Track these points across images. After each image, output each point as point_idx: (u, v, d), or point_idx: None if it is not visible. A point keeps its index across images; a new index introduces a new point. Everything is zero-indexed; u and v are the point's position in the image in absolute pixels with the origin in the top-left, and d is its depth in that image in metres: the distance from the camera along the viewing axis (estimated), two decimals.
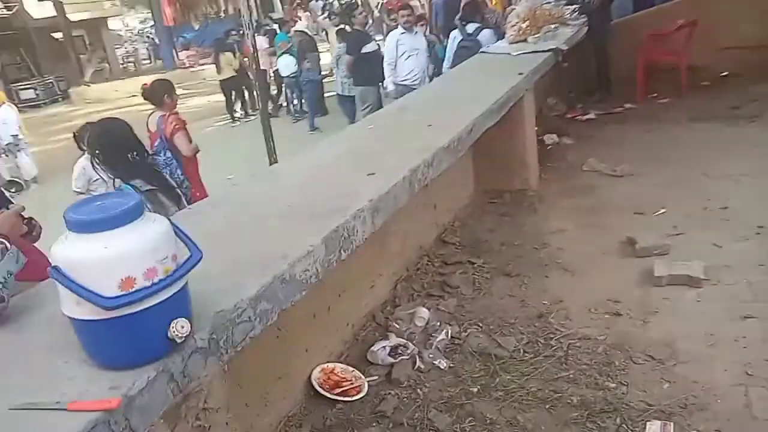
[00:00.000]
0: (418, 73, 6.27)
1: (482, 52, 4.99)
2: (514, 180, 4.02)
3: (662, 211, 3.44)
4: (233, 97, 12.33)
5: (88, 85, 20.01)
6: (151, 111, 4.69)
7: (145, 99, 4.77)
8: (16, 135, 9.46)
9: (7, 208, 1.90)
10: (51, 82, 20.28)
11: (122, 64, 24.25)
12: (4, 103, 10.34)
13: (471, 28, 5.80)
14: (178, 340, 1.14)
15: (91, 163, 2.53)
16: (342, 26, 9.37)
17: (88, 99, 18.95)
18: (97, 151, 2.54)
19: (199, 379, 1.23)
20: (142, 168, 2.53)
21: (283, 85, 11.67)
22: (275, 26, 13.74)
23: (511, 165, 4.00)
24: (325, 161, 2.48)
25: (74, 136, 4.64)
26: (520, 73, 3.77)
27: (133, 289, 1.07)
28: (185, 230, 1.23)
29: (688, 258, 2.83)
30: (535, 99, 5.31)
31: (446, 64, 6.06)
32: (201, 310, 1.30)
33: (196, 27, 24.59)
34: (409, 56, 6.35)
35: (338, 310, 2.50)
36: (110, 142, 2.53)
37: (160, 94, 4.57)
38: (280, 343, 2.10)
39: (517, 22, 5.05)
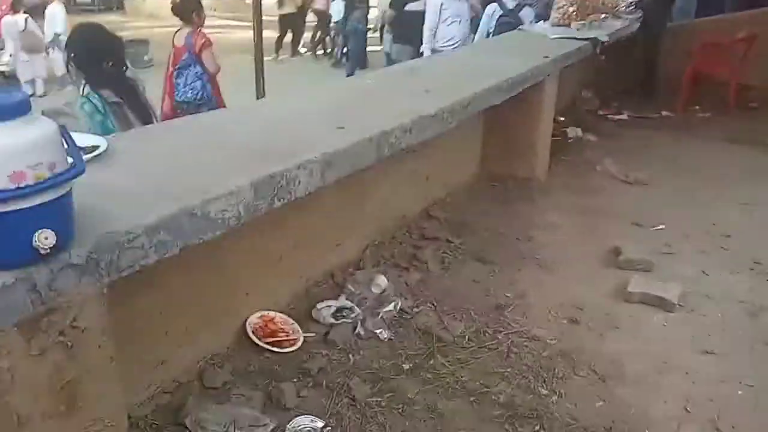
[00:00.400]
0: (459, 41, 6.04)
1: (520, 29, 4.77)
2: (521, 167, 3.87)
3: (661, 226, 3.27)
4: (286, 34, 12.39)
5: None
6: (178, 27, 4.78)
7: (174, 14, 4.85)
8: (59, 34, 9.56)
9: None
10: None
11: None
12: (54, 0, 10.47)
13: (511, 3, 5.54)
14: (42, 251, 1.08)
15: (66, 65, 2.49)
16: None
17: (141, 12, 19.01)
18: (72, 54, 2.49)
19: (69, 295, 1.18)
20: (114, 79, 2.47)
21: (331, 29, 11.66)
22: None
23: (520, 151, 3.85)
24: (302, 106, 2.39)
25: None
26: (546, 57, 3.58)
27: None
28: (76, 141, 1.17)
29: (670, 280, 2.68)
30: (568, 89, 5.13)
31: (477, 37, 5.84)
32: (90, 227, 1.25)
33: None
34: (452, 22, 6.11)
35: (292, 260, 2.44)
36: (87, 47, 2.48)
37: (189, 11, 4.70)
38: (215, 280, 2.06)
39: (564, 5, 4.80)
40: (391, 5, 7.05)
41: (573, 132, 4.86)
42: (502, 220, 3.35)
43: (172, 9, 4.85)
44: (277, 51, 12.33)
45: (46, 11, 10.39)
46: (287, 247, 2.40)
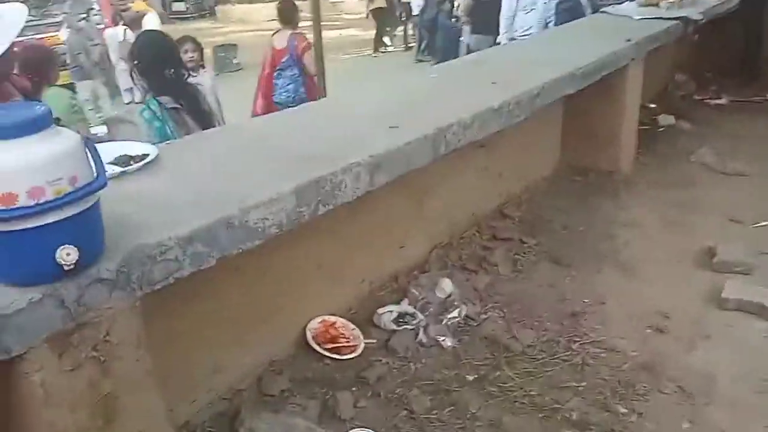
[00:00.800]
0: (536, 29, 5.78)
1: (602, 11, 4.46)
2: (603, 159, 3.61)
3: (764, 223, 2.93)
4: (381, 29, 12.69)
5: (233, 5, 20.83)
6: (275, 30, 5.02)
7: (279, 17, 5.09)
8: None
9: None
10: None
11: None
12: (148, 12, 11.09)
13: None
14: (66, 267, 1.07)
15: (130, 72, 2.55)
16: None
17: (232, 18, 19.77)
18: (136, 62, 2.55)
19: (99, 310, 1.16)
20: (174, 86, 2.51)
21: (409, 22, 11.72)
22: None
23: (603, 142, 3.58)
24: (357, 105, 2.31)
25: None
26: (628, 40, 3.30)
27: (14, 206, 1.00)
28: (101, 154, 1.14)
29: None
30: (659, 73, 4.75)
31: (535, 26, 5.54)
32: (123, 239, 1.23)
33: None
34: (532, 10, 5.86)
35: (354, 263, 2.37)
36: (151, 55, 2.53)
37: (293, 14, 5.07)
38: (272, 284, 2.02)
39: None
40: None
41: (665, 120, 4.49)
42: (582, 218, 3.13)
43: (278, 12, 5.09)
44: (376, 47, 12.57)
45: (143, 22, 11.01)
46: (348, 250, 2.33)
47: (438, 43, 10.38)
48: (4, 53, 1.99)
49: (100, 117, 6.10)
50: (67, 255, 1.05)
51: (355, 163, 1.67)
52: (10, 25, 2.07)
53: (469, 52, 7.53)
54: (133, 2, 12.70)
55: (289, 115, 2.29)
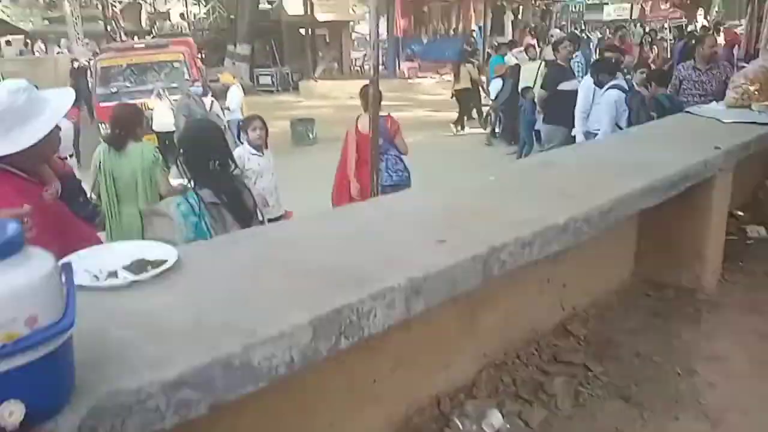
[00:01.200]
0: (608, 126, 5.53)
1: (686, 111, 4.17)
2: (683, 275, 3.23)
3: None
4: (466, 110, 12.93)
5: (316, 81, 21.72)
6: (359, 115, 5.08)
7: (364, 102, 5.16)
8: (231, 110, 10.70)
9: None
10: (287, 73, 22.44)
11: (352, 66, 25.97)
12: (233, 84, 11.68)
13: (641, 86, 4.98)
14: (9, 428, 0.89)
15: (176, 160, 2.48)
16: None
17: (313, 93, 20.56)
18: (182, 150, 2.48)
19: None
20: (217, 179, 2.41)
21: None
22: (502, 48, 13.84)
23: (683, 256, 3.22)
24: (401, 210, 2.11)
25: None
26: (717, 147, 3.00)
27: None
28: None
29: None
30: (748, 179, 4.36)
31: (604, 128, 5.30)
32: (98, 379, 1.05)
33: (425, 41, 25.39)
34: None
35: (390, 383, 2.11)
36: (196, 145, 2.46)
37: (378, 98, 4.98)
38: (293, 408, 1.79)
39: (742, 84, 4.13)
40: (543, 85, 6.73)
41: (754, 231, 4.05)
42: (658, 344, 2.75)
43: (361, 96, 5.15)
44: (456, 126, 12.77)
45: (228, 94, 11.57)
46: (383, 368, 2.08)
47: (512, 128, 10.31)
48: (46, 136, 1.96)
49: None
50: (9, 415, 0.87)
51: (390, 287, 1.46)
52: (55, 109, 2.06)
53: (540, 140, 7.35)
54: (222, 74, 13.43)
55: (327, 218, 2.12)
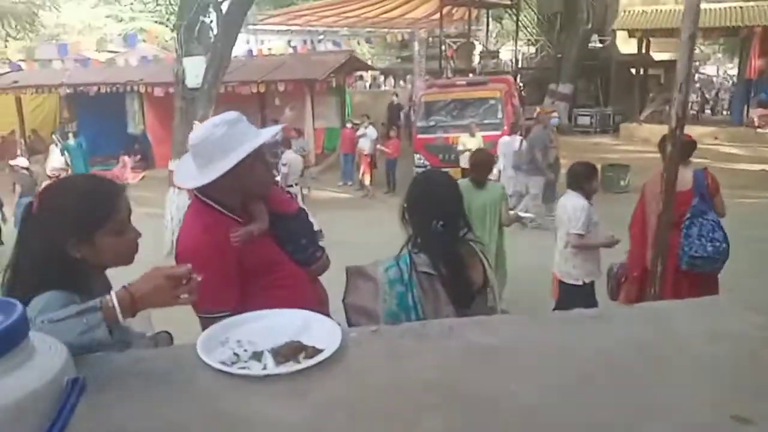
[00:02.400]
0: None
1: None
2: None
3: None
4: None
5: (640, 124, 19.92)
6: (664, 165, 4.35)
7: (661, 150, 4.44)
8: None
9: None
10: (609, 114, 21.10)
11: (688, 110, 23.14)
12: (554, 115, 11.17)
13: None
14: None
15: (401, 212, 2.12)
16: None
17: (634, 136, 18.91)
18: (406, 204, 2.11)
19: None
20: (439, 245, 1.96)
21: None
22: None
23: None
24: (688, 335, 1.38)
25: None
26: None
27: None
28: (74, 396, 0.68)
29: None
30: None
31: None
32: None
33: None
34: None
35: None
36: (421, 200, 2.06)
37: (693, 149, 4.35)
38: None
39: None
40: None
41: None
42: None
43: (666, 143, 4.46)
44: None
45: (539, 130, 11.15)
46: None
47: None
48: (234, 169, 1.84)
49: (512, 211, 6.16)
50: None
51: None
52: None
53: None
54: (538, 110, 13.12)
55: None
